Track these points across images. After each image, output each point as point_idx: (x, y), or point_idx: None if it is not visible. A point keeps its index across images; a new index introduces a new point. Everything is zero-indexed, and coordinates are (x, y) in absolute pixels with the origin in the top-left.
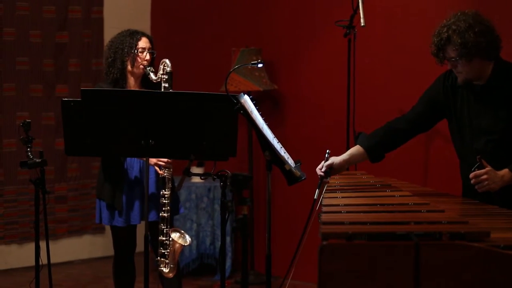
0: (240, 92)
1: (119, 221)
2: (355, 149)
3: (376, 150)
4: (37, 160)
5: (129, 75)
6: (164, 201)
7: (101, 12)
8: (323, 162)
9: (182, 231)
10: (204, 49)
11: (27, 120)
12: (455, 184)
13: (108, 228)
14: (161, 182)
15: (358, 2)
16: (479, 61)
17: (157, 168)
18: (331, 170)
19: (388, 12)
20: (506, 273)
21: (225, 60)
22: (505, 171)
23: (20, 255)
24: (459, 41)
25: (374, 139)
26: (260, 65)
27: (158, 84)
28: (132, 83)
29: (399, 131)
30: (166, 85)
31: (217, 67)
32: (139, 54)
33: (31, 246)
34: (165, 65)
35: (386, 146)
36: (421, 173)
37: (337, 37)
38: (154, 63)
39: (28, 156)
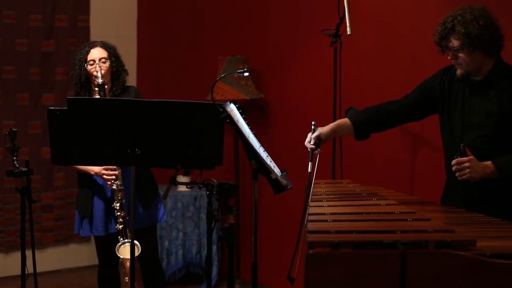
0: (226, 101)
1: (99, 230)
2: (343, 121)
3: (363, 127)
4: (23, 169)
5: (94, 88)
6: (116, 213)
7: (87, 20)
8: (310, 134)
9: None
10: (190, 57)
11: (13, 129)
12: (441, 193)
13: (93, 237)
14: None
15: (345, 11)
16: (480, 54)
17: (104, 177)
18: (320, 141)
19: (375, 21)
20: (493, 282)
21: (212, 69)
22: (488, 162)
23: (6, 264)
24: (463, 30)
25: (364, 115)
26: (246, 74)
27: (125, 93)
28: (96, 96)
29: (391, 113)
30: (98, 96)
31: (204, 76)
32: (90, 67)
33: (17, 255)
34: (96, 77)
35: (374, 125)
36: (407, 182)
37: (323, 45)
38: (120, 70)
39: (14, 165)
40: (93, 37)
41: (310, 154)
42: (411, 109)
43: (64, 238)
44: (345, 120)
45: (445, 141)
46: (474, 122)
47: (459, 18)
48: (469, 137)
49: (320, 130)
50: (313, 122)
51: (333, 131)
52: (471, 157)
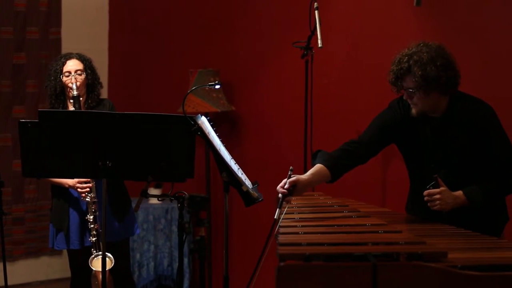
0: (197, 113)
1: (74, 244)
2: (318, 169)
3: (338, 171)
4: None
5: (68, 100)
6: (90, 225)
7: (59, 33)
8: (285, 180)
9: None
10: (162, 70)
11: None
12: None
13: (65, 250)
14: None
15: (316, 24)
16: (436, 95)
17: (78, 190)
18: (294, 188)
19: (346, 34)
20: None
21: (183, 81)
22: (459, 193)
23: None
24: (419, 73)
25: (335, 160)
26: (217, 86)
27: (100, 106)
28: (71, 108)
29: (357, 155)
30: (73, 109)
31: (175, 88)
32: (65, 78)
33: None
34: (71, 89)
35: (345, 168)
36: (379, 194)
37: (295, 58)
38: (95, 83)
39: None
40: (65, 49)
41: (281, 200)
42: (372, 146)
43: (35, 251)
44: (319, 166)
45: (409, 166)
46: (442, 160)
47: (415, 58)
48: (438, 174)
49: (299, 177)
50: (290, 168)
51: (311, 181)
52: (443, 188)
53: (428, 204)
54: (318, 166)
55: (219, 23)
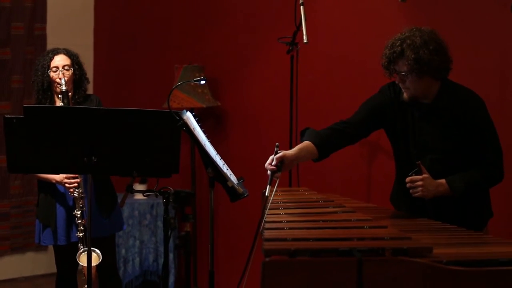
0: (183, 109)
1: (60, 240)
2: (304, 145)
3: (325, 149)
4: None
5: (55, 96)
6: (77, 221)
7: (44, 28)
8: (272, 156)
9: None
10: (147, 65)
11: None
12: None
13: (51, 246)
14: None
15: (301, 19)
16: (428, 79)
17: (65, 186)
18: (282, 164)
19: (331, 29)
20: None
21: (168, 77)
22: (441, 181)
23: None
24: (412, 56)
25: (322, 137)
26: (203, 82)
27: (87, 101)
28: (59, 104)
29: (346, 134)
30: (62, 103)
31: (160, 84)
32: (53, 73)
33: None
34: (60, 84)
35: (333, 146)
36: (364, 189)
37: (280, 53)
38: (82, 78)
39: None
40: (50, 45)
41: (270, 177)
42: (361, 128)
43: (21, 247)
44: (307, 143)
45: (396, 153)
46: (427, 146)
47: (408, 42)
48: (423, 160)
49: (285, 152)
50: (276, 144)
51: (297, 156)
52: (425, 175)
53: (410, 190)
54: (305, 142)
55: (205, 19)
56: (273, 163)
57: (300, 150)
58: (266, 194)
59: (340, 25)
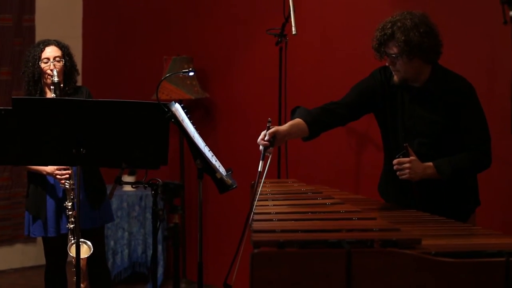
0: (171, 101)
1: (50, 231)
2: (296, 122)
3: (316, 127)
4: None
5: (46, 87)
6: (68, 212)
7: (32, 20)
8: (264, 131)
9: (82, 240)
10: (136, 57)
11: None
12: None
13: (39, 237)
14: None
15: (290, 11)
16: (418, 62)
17: (57, 177)
18: (274, 139)
19: (320, 21)
20: (438, 280)
21: (157, 68)
22: (429, 164)
23: None
24: (403, 38)
25: (313, 115)
26: (191, 74)
27: (77, 93)
28: (49, 95)
29: (336, 114)
30: (54, 95)
31: (149, 75)
32: (44, 65)
33: None
34: (52, 75)
35: (323, 126)
36: (353, 181)
37: (269, 45)
38: (72, 70)
39: None
40: (39, 36)
41: (263, 152)
42: (352, 110)
43: (9, 238)
44: (298, 120)
45: (385, 139)
46: (416, 130)
47: (398, 24)
48: (411, 144)
49: (278, 128)
50: (269, 119)
51: (288, 132)
52: (413, 157)
53: (397, 173)
54: (296, 119)
55: (193, 10)
56: (265, 139)
57: (292, 126)
58: (259, 170)
59: (329, 17)
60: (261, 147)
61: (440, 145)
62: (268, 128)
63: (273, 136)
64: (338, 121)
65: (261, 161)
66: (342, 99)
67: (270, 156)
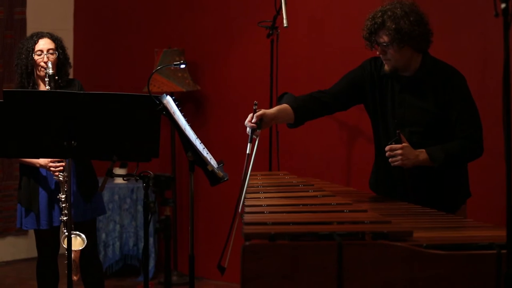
0: (163, 93)
1: (42, 224)
2: (283, 107)
3: (302, 114)
4: None
5: (39, 79)
6: (61, 205)
7: (24, 12)
8: (251, 114)
9: (76, 233)
10: (127, 49)
11: None
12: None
13: (31, 230)
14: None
15: (281, 3)
16: (409, 50)
17: (50, 170)
18: (262, 122)
19: (311, 13)
20: (429, 272)
21: (148, 61)
22: (421, 151)
23: None
24: (393, 26)
25: (300, 102)
26: (182, 66)
27: (70, 86)
28: (42, 87)
29: (324, 103)
30: (48, 87)
31: (140, 68)
32: (37, 57)
33: None
34: (46, 68)
35: (310, 114)
36: (344, 173)
37: (260, 38)
38: (65, 63)
39: None
40: (30, 29)
41: (250, 135)
42: (340, 99)
43: (1, 231)
44: (285, 106)
45: (375, 130)
46: (407, 119)
47: (389, 13)
48: (403, 133)
49: (265, 111)
50: (255, 102)
51: (276, 116)
52: (405, 144)
53: (389, 160)
54: (283, 105)
55: (185, 2)
56: (252, 121)
57: (279, 110)
58: (247, 152)
59: (320, 9)
60: (248, 129)
61: (431, 134)
62: (255, 111)
63: (260, 118)
64: (324, 109)
65: (249, 144)
66: (330, 88)
67: (258, 139)
